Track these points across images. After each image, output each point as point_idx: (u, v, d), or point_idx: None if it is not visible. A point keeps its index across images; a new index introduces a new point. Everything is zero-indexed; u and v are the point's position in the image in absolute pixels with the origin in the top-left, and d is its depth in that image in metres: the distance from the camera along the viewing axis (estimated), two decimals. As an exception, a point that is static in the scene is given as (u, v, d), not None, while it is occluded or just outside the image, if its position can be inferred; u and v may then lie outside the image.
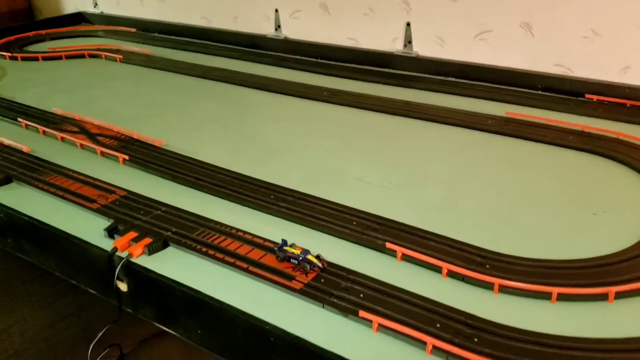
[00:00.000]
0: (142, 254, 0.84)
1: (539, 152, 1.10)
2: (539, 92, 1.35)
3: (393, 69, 1.54)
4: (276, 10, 1.71)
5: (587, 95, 1.29)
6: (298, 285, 0.76)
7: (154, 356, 1.29)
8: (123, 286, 0.87)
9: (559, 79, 1.33)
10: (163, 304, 0.84)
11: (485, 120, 1.21)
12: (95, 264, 0.88)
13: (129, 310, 0.89)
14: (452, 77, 1.45)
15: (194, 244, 0.85)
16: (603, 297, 0.72)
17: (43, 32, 2.03)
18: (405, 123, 1.24)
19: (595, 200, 0.94)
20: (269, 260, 0.81)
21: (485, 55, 1.41)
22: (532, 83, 1.36)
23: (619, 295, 0.72)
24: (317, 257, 0.79)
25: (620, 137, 1.10)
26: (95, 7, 2.18)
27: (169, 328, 0.85)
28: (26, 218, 0.95)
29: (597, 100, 1.27)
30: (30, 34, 2.00)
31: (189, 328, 0.82)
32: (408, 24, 1.50)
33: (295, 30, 1.71)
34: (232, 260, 0.81)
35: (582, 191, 0.97)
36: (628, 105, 1.24)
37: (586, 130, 1.14)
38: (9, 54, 1.79)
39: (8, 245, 1.05)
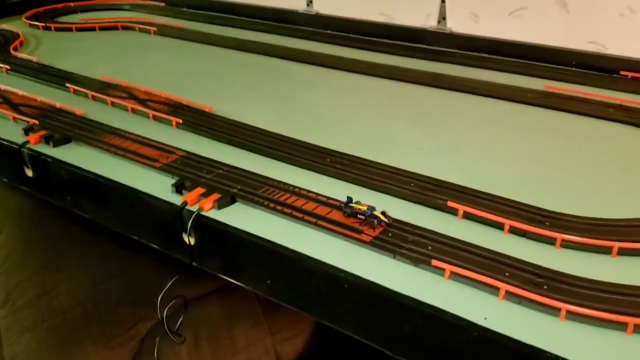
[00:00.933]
0: (212, 208, 0.88)
1: (579, 124, 1.14)
2: (575, 69, 1.38)
3: (427, 44, 1.57)
4: (308, -15, 1.74)
5: (622, 72, 1.32)
6: (367, 238, 0.79)
7: (195, 318, 1.33)
8: (190, 239, 0.90)
9: (593, 56, 1.36)
10: (231, 256, 0.87)
11: (524, 94, 1.25)
12: (162, 219, 0.92)
13: (193, 263, 0.92)
14: (486, 53, 1.48)
15: (261, 200, 0.88)
16: (659, 252, 0.76)
17: (72, 4, 2.04)
18: (444, 95, 1.28)
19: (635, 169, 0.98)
20: (336, 215, 0.84)
21: (520, 32, 1.44)
22: (566, 60, 1.39)
23: (675, 251, 0.76)
24: (383, 213, 0.83)
25: (657, 111, 1.14)
26: (122, -20, 2.20)
27: (235, 279, 0.89)
28: (90, 175, 0.98)
29: (632, 77, 1.31)
30: (59, 5, 2.01)
31: (258, 279, 0.86)
32: (442, 0, 1.53)
33: (327, 5, 1.73)
34: (300, 215, 0.85)
35: (627, 159, 1.01)
36: (663, 81, 1.28)
37: (624, 103, 1.17)
38: (42, 24, 1.81)
39: (67, 204, 1.08)
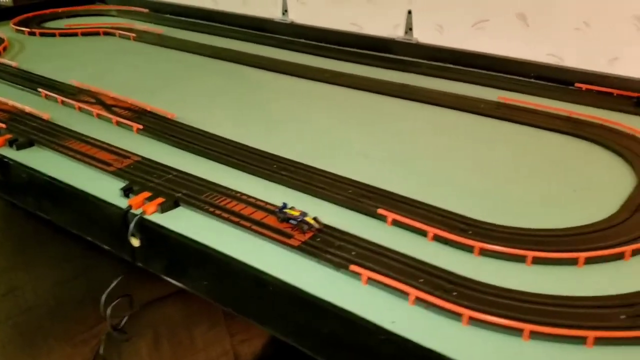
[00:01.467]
0: (155, 211, 0.92)
1: (526, 134, 1.17)
2: (532, 80, 1.41)
3: (394, 54, 1.60)
4: (283, -6, 1.78)
5: (576, 84, 1.36)
6: (296, 243, 0.83)
7: (155, 318, 1.37)
8: (135, 242, 0.94)
9: (550, 68, 1.40)
10: (172, 258, 0.91)
11: (477, 104, 1.28)
12: (110, 221, 0.96)
13: (140, 264, 0.96)
14: (449, 63, 1.52)
15: (202, 205, 0.92)
16: (573, 262, 0.79)
17: (59, 10, 2.09)
18: (401, 104, 1.32)
19: (576, 179, 1.01)
20: (271, 220, 0.88)
21: (483, 43, 1.48)
22: (525, 71, 1.42)
23: (588, 261, 0.79)
24: (314, 219, 0.87)
25: (605, 123, 1.17)
26: (109, -14, 2.25)
27: (176, 280, 0.93)
28: (47, 178, 1.03)
29: (586, 89, 1.34)
30: (47, 11, 2.07)
31: (196, 280, 0.90)
32: (409, 12, 1.56)
33: (302, 14, 1.78)
34: (236, 219, 0.89)
35: (564, 170, 1.04)
36: (615, 94, 1.31)
37: (573, 115, 1.21)
38: (28, 29, 1.86)
39: (29, 205, 1.12)
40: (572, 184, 0.99)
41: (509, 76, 1.43)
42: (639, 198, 0.93)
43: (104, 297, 0.94)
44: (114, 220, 0.94)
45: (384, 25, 1.62)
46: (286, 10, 1.80)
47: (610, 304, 0.71)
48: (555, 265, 0.79)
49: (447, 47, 1.53)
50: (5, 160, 1.09)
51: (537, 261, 0.79)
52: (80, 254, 1.35)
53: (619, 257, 0.80)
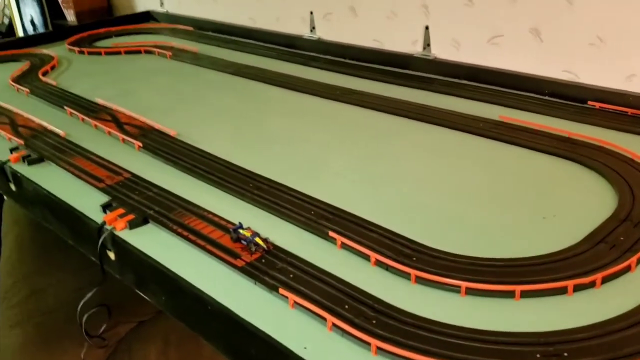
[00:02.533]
0: (124, 228, 0.97)
1: (517, 156, 1.13)
2: (545, 98, 1.36)
3: (413, 70, 1.59)
4: (311, 13, 1.81)
5: (589, 102, 1.29)
6: (241, 263, 0.86)
7: (166, 326, 1.43)
8: (112, 255, 1.00)
9: (565, 85, 1.33)
10: (138, 272, 0.96)
11: (476, 123, 1.25)
12: (93, 235, 1.02)
13: (117, 276, 1.02)
14: (465, 79, 1.49)
15: (167, 222, 0.97)
16: (510, 295, 0.77)
17: (113, 29, 2.23)
18: (401, 122, 1.30)
19: (552, 205, 0.96)
20: (225, 240, 0.91)
21: (498, 59, 1.44)
22: (539, 88, 1.37)
23: (525, 294, 0.76)
24: (265, 240, 0.89)
25: (604, 145, 1.11)
26: (161, 6, 2.37)
27: (143, 294, 0.98)
28: (45, 191, 1.11)
29: (600, 107, 1.27)
30: (102, 30, 2.21)
31: (157, 294, 0.94)
32: (427, 28, 1.54)
33: (328, 31, 1.80)
34: (194, 238, 0.92)
35: (543, 195, 1.00)
36: (629, 113, 1.23)
37: (572, 136, 1.15)
38: (78, 48, 2.00)
39: (37, 215, 1.22)
40: (547, 210, 0.95)
41: (519, 93, 1.38)
42: (607, 228, 0.87)
43: (79, 306, 1.00)
44: (93, 234, 1.00)
45: (404, 41, 1.61)
46: (314, 27, 1.82)
47: (528, 342, 0.68)
48: (490, 297, 0.77)
49: (463, 63, 1.50)
50: (18, 174, 1.19)
51: (471, 292, 0.77)
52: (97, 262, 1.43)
53: (561, 291, 0.76)
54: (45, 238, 1.49)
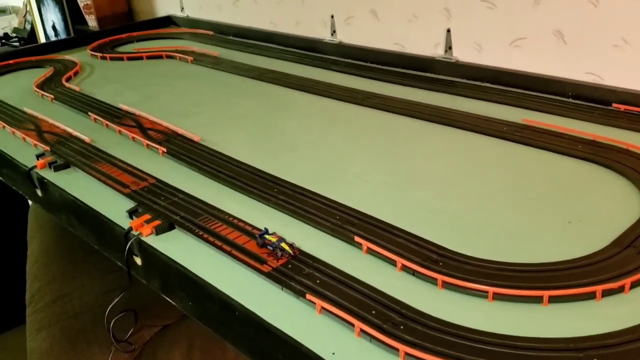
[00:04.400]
0: (151, 233, 0.98)
1: (541, 159, 1.12)
2: (569, 100, 1.35)
3: (435, 73, 1.59)
4: (332, 16, 1.81)
5: (614, 105, 1.28)
6: (267, 269, 0.86)
7: (191, 330, 1.44)
8: (138, 260, 1.02)
9: (589, 87, 1.32)
10: (164, 278, 0.97)
11: (500, 127, 1.24)
12: (119, 240, 1.03)
13: (143, 281, 1.03)
14: (487, 82, 1.48)
15: (194, 228, 0.98)
16: (538, 300, 0.76)
17: (135, 34, 2.26)
18: (422, 126, 1.30)
19: (577, 209, 0.96)
20: (251, 245, 0.92)
21: (521, 61, 1.43)
22: (563, 90, 1.36)
23: (553, 299, 0.76)
24: (291, 245, 0.89)
25: (630, 148, 1.10)
26: (182, 11, 2.39)
27: (170, 299, 0.99)
28: (71, 197, 1.13)
29: (625, 110, 1.26)
30: (124, 35, 2.24)
31: (183, 299, 0.95)
32: (448, 31, 1.54)
33: (349, 35, 1.80)
34: (220, 243, 0.93)
35: (568, 199, 0.99)
36: (655, 116, 1.22)
37: (597, 139, 1.14)
38: (101, 54, 2.03)
39: (63, 221, 1.24)
40: (572, 214, 0.94)
41: (543, 95, 1.37)
42: (635, 233, 0.86)
43: (107, 310, 1.01)
44: (119, 240, 1.01)
45: (425, 44, 1.60)
46: (334, 31, 1.83)
47: (557, 347, 0.68)
48: (518, 303, 0.77)
49: (486, 66, 1.49)
50: (44, 180, 1.21)
51: (498, 297, 0.77)
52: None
53: (590, 297, 0.76)
54: (70, 243, 1.51)
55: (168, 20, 2.43)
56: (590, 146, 1.13)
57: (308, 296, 0.79)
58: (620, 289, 0.77)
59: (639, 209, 0.94)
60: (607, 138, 1.14)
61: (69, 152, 1.29)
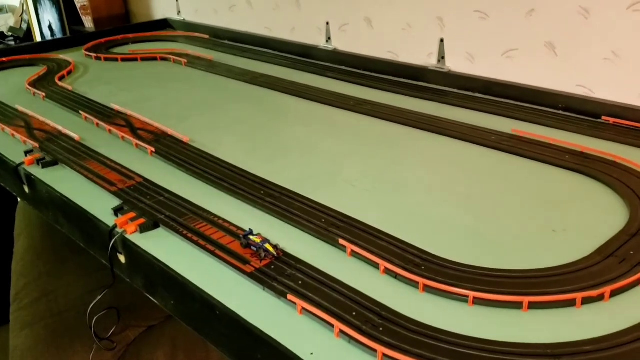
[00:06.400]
0: (135, 231, 0.98)
1: (529, 169, 1.13)
2: (559, 112, 1.35)
3: (427, 82, 1.59)
4: (327, 23, 1.82)
5: (603, 117, 1.29)
6: (250, 269, 0.86)
7: (175, 331, 1.44)
8: (122, 258, 1.01)
9: (579, 100, 1.33)
10: (148, 276, 0.97)
11: (489, 136, 1.25)
12: (104, 238, 1.03)
13: (127, 279, 1.03)
14: (479, 92, 1.49)
15: (178, 227, 0.97)
16: (517, 306, 0.76)
17: (130, 35, 2.26)
18: (413, 133, 1.31)
19: (562, 218, 0.96)
20: (235, 245, 0.92)
21: (512, 72, 1.44)
22: (554, 102, 1.37)
23: (533, 305, 0.76)
24: (275, 246, 0.89)
25: (617, 160, 1.11)
26: (178, 14, 2.40)
27: (152, 297, 0.98)
28: (58, 194, 1.13)
29: (614, 122, 1.27)
30: (119, 37, 2.24)
31: (166, 298, 0.94)
32: (442, 40, 1.55)
33: (344, 42, 1.81)
34: (203, 243, 0.93)
35: (552, 208, 0.99)
36: (643, 129, 1.23)
37: (585, 151, 1.15)
38: (95, 54, 2.03)
39: (50, 218, 1.23)
40: (557, 223, 0.95)
41: (533, 107, 1.38)
42: (618, 243, 0.87)
43: (89, 308, 1.01)
44: (104, 237, 1.01)
45: (418, 53, 1.61)
46: (329, 38, 1.83)
47: (535, 353, 0.68)
48: (498, 308, 0.77)
49: (478, 77, 1.50)
50: (32, 177, 1.21)
51: (478, 302, 0.77)
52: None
53: (570, 304, 0.76)
54: (57, 241, 1.50)
55: (164, 23, 2.44)
56: (577, 157, 1.14)
57: (289, 296, 0.79)
58: (600, 297, 0.77)
59: (622, 220, 0.94)
60: (595, 150, 1.15)
61: (57, 149, 1.29)
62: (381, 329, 0.73)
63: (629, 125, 1.25)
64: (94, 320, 1.02)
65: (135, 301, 1.45)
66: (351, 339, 0.72)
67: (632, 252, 0.84)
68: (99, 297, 1.01)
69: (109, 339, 1.13)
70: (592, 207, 1.00)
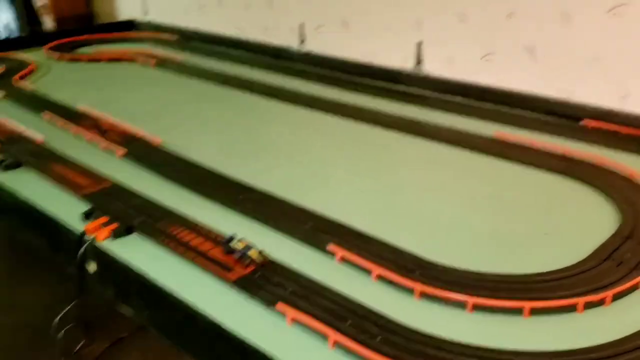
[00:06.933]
0: (107, 237, 0.91)
1: (514, 172, 1.11)
2: (540, 116, 1.34)
3: (405, 85, 1.56)
4: (301, 25, 1.78)
5: (584, 121, 1.28)
6: (233, 277, 0.81)
7: (145, 343, 1.37)
8: (92, 266, 0.94)
9: (560, 104, 1.32)
10: (120, 285, 0.90)
11: (472, 139, 1.22)
12: (71, 245, 0.96)
13: (97, 289, 0.96)
14: (459, 95, 1.47)
15: (154, 233, 0.91)
16: (518, 312, 0.73)
17: (95, 36, 2.18)
18: (396, 137, 1.28)
19: (553, 221, 0.94)
20: (217, 252, 0.86)
21: (492, 76, 1.42)
22: (534, 106, 1.36)
23: (534, 311, 0.73)
24: (260, 252, 0.84)
25: (598, 162, 1.09)
26: (145, 14, 2.33)
27: (125, 307, 0.92)
28: (21, 199, 1.05)
29: (594, 126, 1.26)
30: (82, 37, 2.15)
31: (139, 308, 0.88)
32: (419, 44, 1.53)
33: (318, 44, 1.77)
34: (182, 249, 0.87)
35: (541, 211, 0.97)
36: (623, 132, 1.22)
37: (567, 154, 1.13)
38: (59, 54, 1.94)
39: (12, 225, 1.15)
40: (547, 226, 0.93)
41: (514, 111, 1.36)
42: (612, 246, 0.85)
43: (55, 323, 0.94)
44: (72, 244, 0.94)
45: (395, 56, 1.59)
46: (303, 40, 1.79)
47: (542, 362, 0.65)
48: (498, 314, 0.73)
49: (456, 80, 1.48)
50: (-8, 180, 1.13)
51: (478, 308, 0.74)
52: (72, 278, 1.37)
53: (571, 309, 0.73)
54: (16, 252, 1.42)
55: (130, 25, 2.36)
56: (560, 160, 1.12)
57: (278, 306, 0.74)
58: (601, 302, 0.74)
59: (612, 222, 0.92)
60: (576, 153, 1.13)
61: (20, 151, 1.21)
62: (379, 338, 0.69)
63: (609, 129, 1.24)
64: (59, 335, 0.95)
65: (101, 314, 1.37)
66: (348, 350, 0.67)
67: (628, 255, 0.82)
68: (65, 311, 0.94)
69: (76, 354, 1.05)
70: (581, 210, 0.98)
